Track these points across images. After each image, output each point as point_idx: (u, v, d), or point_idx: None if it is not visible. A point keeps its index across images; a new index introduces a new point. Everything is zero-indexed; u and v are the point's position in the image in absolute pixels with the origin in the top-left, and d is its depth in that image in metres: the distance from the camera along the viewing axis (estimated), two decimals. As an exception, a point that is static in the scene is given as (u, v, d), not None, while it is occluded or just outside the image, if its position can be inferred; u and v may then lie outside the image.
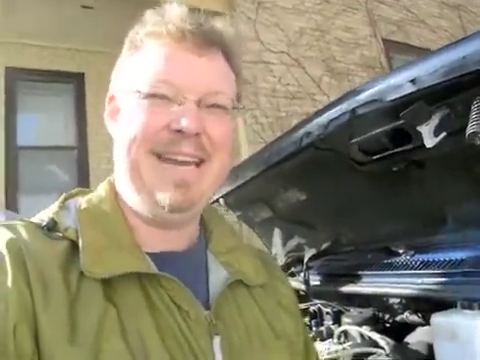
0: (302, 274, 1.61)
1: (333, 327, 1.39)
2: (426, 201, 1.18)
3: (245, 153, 3.56)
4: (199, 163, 0.61)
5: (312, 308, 1.55)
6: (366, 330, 1.21)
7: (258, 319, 0.68)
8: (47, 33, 3.97)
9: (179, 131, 0.58)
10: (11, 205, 3.71)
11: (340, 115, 0.98)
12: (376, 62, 4.93)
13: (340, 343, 1.26)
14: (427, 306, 1.09)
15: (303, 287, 1.60)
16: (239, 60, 0.69)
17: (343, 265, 1.54)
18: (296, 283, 1.65)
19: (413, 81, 0.80)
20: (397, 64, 4.89)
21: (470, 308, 0.87)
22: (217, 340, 0.59)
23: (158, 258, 0.62)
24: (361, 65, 4.79)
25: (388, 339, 1.14)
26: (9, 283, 0.50)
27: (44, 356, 0.49)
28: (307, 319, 1.53)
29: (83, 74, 4.42)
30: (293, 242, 1.71)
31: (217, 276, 0.67)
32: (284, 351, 0.68)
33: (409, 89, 0.81)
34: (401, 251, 1.28)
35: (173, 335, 0.56)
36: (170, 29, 0.60)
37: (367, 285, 1.30)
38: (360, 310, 1.34)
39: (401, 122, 0.90)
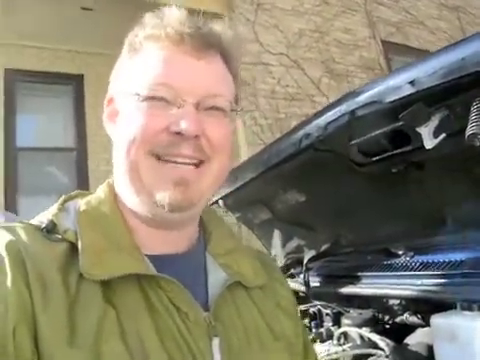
0: (302, 275, 1.61)
1: (333, 328, 1.39)
2: (426, 202, 1.18)
3: (244, 154, 3.56)
4: (198, 164, 0.62)
5: (312, 309, 1.55)
6: (366, 331, 1.21)
7: (257, 320, 0.68)
8: (47, 35, 3.97)
9: (178, 133, 0.58)
10: (10, 206, 3.71)
11: (339, 116, 0.98)
12: (375, 63, 4.94)
13: (340, 344, 1.26)
14: (427, 307, 1.09)
15: (303, 288, 1.59)
16: (237, 62, 0.69)
17: (343, 266, 1.54)
18: (296, 284, 1.65)
19: (412, 82, 0.80)
20: (396, 65, 4.90)
21: (470, 309, 0.87)
22: (216, 341, 0.60)
23: (157, 260, 0.62)
24: (360, 66, 4.80)
25: (388, 340, 1.14)
26: (8, 284, 0.51)
27: (43, 358, 0.49)
28: (307, 320, 1.53)
29: (82, 76, 4.42)
30: (293, 243, 1.71)
31: (216, 278, 0.67)
32: (283, 352, 0.68)
33: (408, 90, 0.81)
34: (401, 252, 1.28)
35: (172, 336, 0.57)
36: (169, 32, 0.61)
37: (367, 286, 1.30)
38: (360, 311, 1.34)
39: (400, 123, 0.90)
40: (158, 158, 0.59)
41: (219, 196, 1.64)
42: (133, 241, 0.62)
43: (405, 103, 0.84)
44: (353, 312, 1.38)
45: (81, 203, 0.65)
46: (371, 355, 1.13)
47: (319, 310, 1.52)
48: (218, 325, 0.61)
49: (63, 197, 0.67)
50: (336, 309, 1.46)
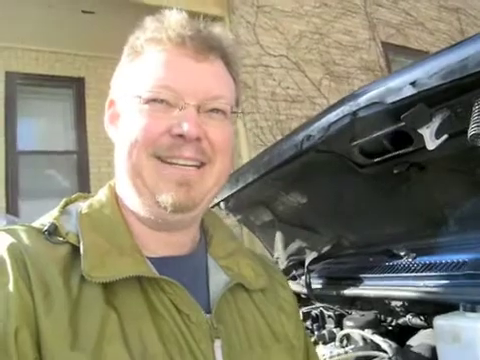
0: (304, 277, 1.61)
1: (335, 330, 1.38)
2: (428, 203, 1.18)
3: (245, 156, 3.57)
4: (200, 166, 0.62)
5: (314, 312, 1.54)
6: (368, 333, 1.20)
7: (258, 322, 0.68)
8: (48, 38, 3.98)
9: (180, 136, 0.58)
10: (12, 210, 3.71)
11: (341, 118, 0.98)
12: (375, 65, 4.95)
13: (342, 346, 1.26)
14: (429, 309, 1.08)
15: (304, 290, 1.59)
16: (238, 65, 0.70)
17: (345, 268, 1.54)
18: (297, 286, 1.64)
19: (414, 83, 0.80)
20: (396, 67, 4.90)
21: (473, 311, 0.87)
22: (218, 343, 0.60)
23: (159, 262, 0.62)
24: (360, 68, 4.81)
25: (390, 342, 1.13)
26: (10, 287, 0.51)
27: (46, 361, 0.49)
28: (309, 322, 1.52)
29: (83, 79, 4.43)
30: (294, 245, 1.70)
31: (217, 280, 0.67)
32: (285, 354, 0.68)
33: (410, 91, 0.81)
34: (403, 254, 1.28)
35: (174, 338, 0.57)
36: (170, 35, 0.61)
37: (369, 288, 1.29)
38: (362, 313, 1.34)
39: (402, 124, 0.90)
40: (160, 160, 0.60)
41: (220, 198, 1.64)
42: (134, 243, 0.62)
43: (407, 104, 0.84)
44: (355, 314, 1.38)
45: (82, 206, 0.65)
46: (374, 357, 1.12)
47: (321, 312, 1.51)
48: (220, 327, 0.61)
49: (64, 200, 0.67)
50: (338, 311, 1.46)
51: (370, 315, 1.29)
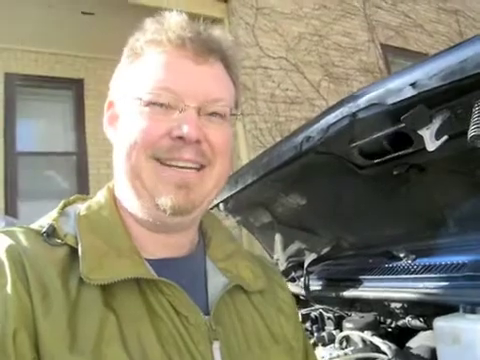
0: (303, 279, 1.61)
1: (334, 332, 1.38)
2: (427, 205, 1.18)
3: (244, 158, 3.57)
4: (199, 168, 0.62)
5: (313, 313, 1.54)
6: (368, 335, 1.20)
7: (257, 324, 0.68)
8: (47, 39, 3.98)
9: (180, 138, 0.58)
10: (10, 211, 3.71)
11: (341, 119, 0.98)
12: (374, 67, 4.95)
13: (342, 348, 1.25)
14: (429, 310, 1.08)
15: (304, 292, 1.59)
16: (238, 68, 0.70)
17: (344, 270, 1.53)
18: (297, 288, 1.64)
19: (413, 84, 0.80)
20: (395, 69, 4.90)
21: (473, 312, 0.87)
22: (216, 345, 0.60)
23: (157, 264, 0.62)
24: (360, 70, 4.81)
25: (390, 344, 1.13)
26: (8, 289, 0.50)
27: (44, 363, 0.48)
28: (308, 324, 1.52)
29: (82, 80, 4.43)
30: (294, 247, 1.70)
31: (216, 282, 0.67)
32: (283, 356, 0.68)
33: (410, 92, 0.81)
34: (402, 255, 1.28)
35: (173, 340, 0.56)
36: (170, 37, 0.61)
37: (368, 290, 1.29)
38: (362, 315, 1.34)
39: (402, 126, 0.90)
40: (160, 162, 0.59)
41: (220, 200, 1.63)
42: (133, 245, 0.62)
43: (406, 105, 0.84)
44: (355, 315, 1.38)
45: (81, 207, 0.65)
46: (373, 359, 1.12)
47: (321, 314, 1.51)
48: (218, 329, 0.61)
49: (63, 202, 0.67)
50: (338, 313, 1.46)
51: (370, 317, 1.29)
